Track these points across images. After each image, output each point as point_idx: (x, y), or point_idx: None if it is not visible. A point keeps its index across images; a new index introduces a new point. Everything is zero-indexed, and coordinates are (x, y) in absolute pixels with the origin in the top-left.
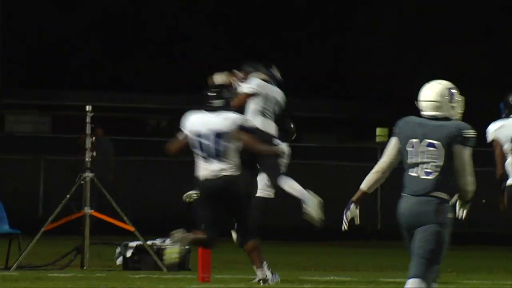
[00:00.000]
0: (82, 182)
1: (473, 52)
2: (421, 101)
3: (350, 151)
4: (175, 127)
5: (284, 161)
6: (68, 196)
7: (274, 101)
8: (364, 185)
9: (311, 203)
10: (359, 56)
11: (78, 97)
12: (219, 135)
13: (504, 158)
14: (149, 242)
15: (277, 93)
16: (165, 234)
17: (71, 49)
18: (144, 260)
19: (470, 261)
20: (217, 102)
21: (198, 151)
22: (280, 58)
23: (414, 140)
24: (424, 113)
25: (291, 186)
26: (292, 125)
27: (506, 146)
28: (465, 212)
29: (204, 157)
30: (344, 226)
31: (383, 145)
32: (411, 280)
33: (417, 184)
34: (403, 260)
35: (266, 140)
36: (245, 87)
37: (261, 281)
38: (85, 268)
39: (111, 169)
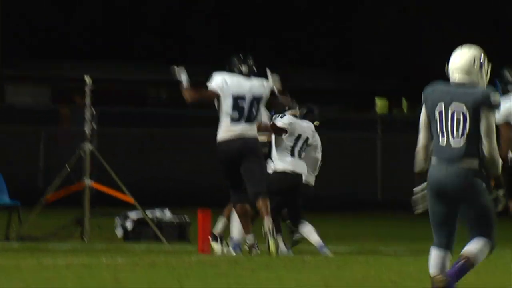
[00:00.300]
0: (82, 154)
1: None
2: (450, 67)
3: (351, 122)
4: (175, 98)
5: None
6: (67, 167)
7: (304, 138)
8: (417, 168)
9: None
10: (363, 35)
11: (78, 68)
12: (256, 99)
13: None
14: (149, 214)
15: (307, 129)
16: (163, 206)
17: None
18: (144, 232)
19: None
20: (244, 68)
21: (229, 112)
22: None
23: (441, 106)
24: (452, 79)
25: (310, 233)
26: (316, 110)
27: None
28: (502, 203)
29: (234, 118)
30: (416, 209)
31: (382, 116)
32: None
33: (446, 152)
34: (402, 230)
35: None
36: (279, 122)
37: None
38: (85, 240)
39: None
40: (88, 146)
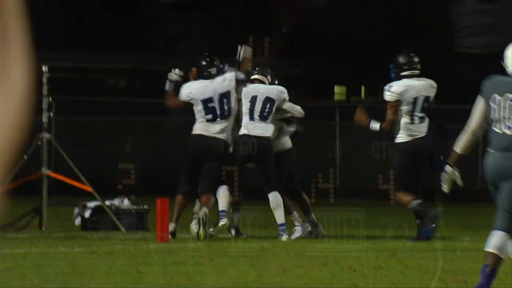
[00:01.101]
0: (39, 143)
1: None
2: (505, 58)
3: (309, 109)
4: (133, 86)
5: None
6: (25, 157)
7: (263, 99)
8: (458, 148)
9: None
10: (317, 17)
11: (35, 57)
12: (223, 95)
13: (396, 118)
14: (107, 203)
15: (270, 92)
16: (122, 195)
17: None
18: (102, 220)
19: (483, 219)
20: (212, 70)
21: (203, 115)
22: (239, 17)
23: (497, 96)
24: (507, 70)
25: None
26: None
27: (407, 108)
28: None
29: (209, 119)
30: (444, 188)
31: (341, 103)
32: (496, 232)
33: (500, 139)
34: (360, 217)
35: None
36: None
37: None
38: (43, 229)
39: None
40: (45, 135)
